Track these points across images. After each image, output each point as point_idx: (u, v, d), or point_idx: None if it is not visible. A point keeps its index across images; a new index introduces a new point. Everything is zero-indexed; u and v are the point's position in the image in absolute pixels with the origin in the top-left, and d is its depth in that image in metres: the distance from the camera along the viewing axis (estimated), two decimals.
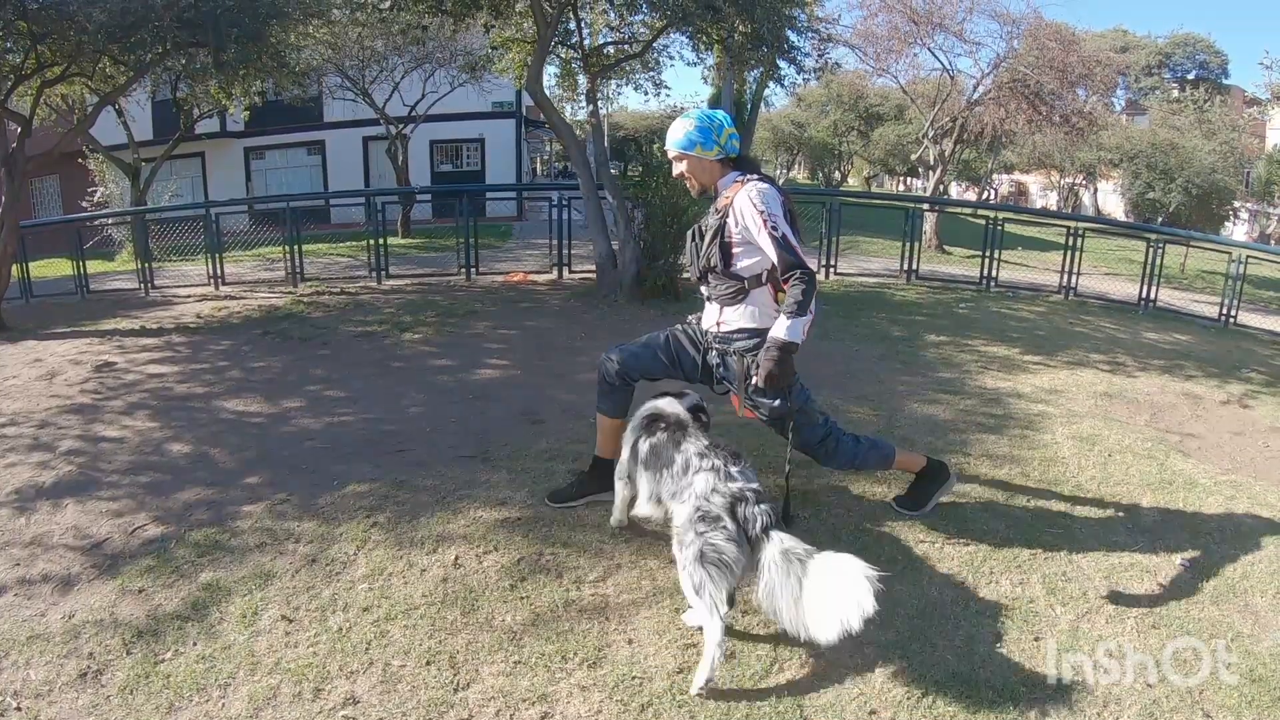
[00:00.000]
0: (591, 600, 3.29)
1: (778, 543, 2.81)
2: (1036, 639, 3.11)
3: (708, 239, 3.52)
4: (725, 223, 3.46)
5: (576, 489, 4.09)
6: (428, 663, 2.93)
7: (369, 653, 2.98)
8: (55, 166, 17.50)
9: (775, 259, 3.32)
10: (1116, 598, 3.42)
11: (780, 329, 3.32)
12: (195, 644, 3.05)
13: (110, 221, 16.01)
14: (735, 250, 3.47)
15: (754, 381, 3.44)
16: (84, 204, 18.92)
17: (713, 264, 3.52)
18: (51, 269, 13.49)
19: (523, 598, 3.30)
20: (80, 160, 18.77)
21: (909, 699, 2.79)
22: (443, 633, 3.09)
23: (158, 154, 17.14)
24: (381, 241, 11.28)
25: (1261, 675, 2.98)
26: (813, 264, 3.33)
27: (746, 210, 3.37)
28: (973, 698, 2.79)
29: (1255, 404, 6.73)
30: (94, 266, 12.01)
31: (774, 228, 3.30)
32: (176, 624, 3.17)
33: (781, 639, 3.02)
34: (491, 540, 3.73)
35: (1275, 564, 3.79)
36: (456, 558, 3.59)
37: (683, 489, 3.06)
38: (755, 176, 3.49)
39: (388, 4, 8.86)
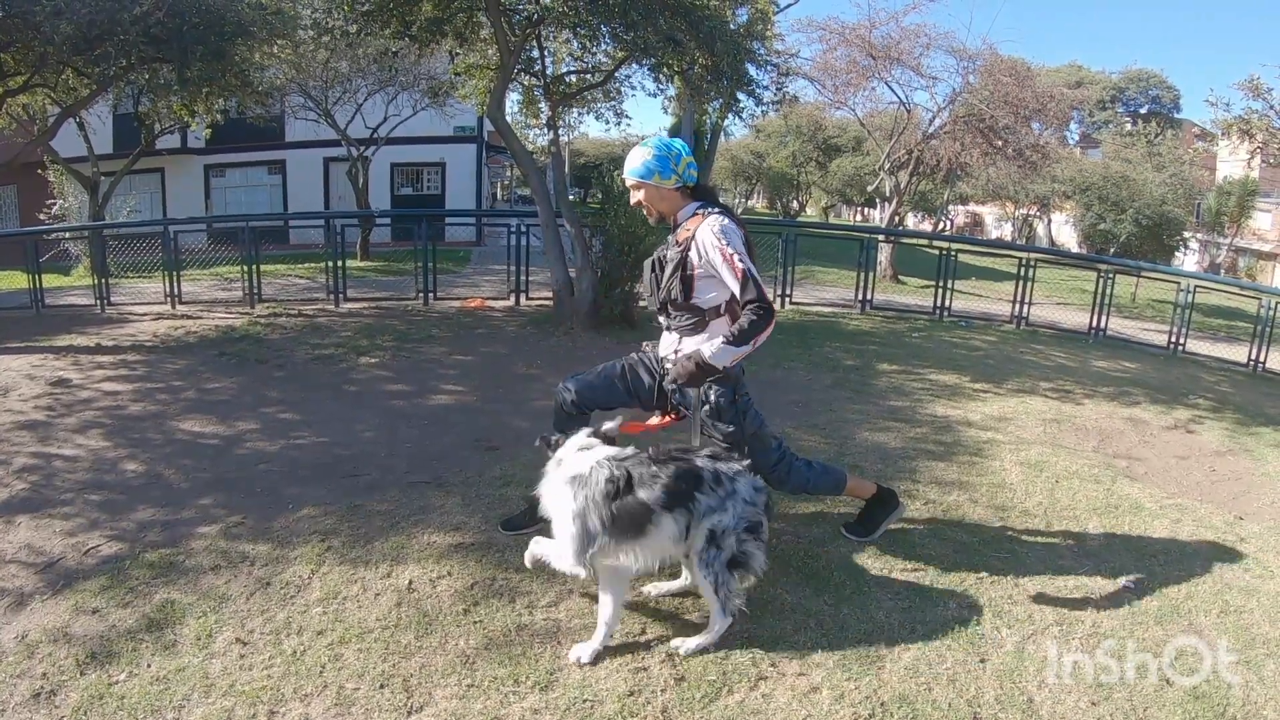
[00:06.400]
0: (544, 624, 3.32)
1: None
2: (982, 661, 3.18)
3: (668, 271, 3.55)
4: (687, 256, 3.48)
5: (529, 516, 4.07)
6: (381, 686, 2.94)
7: (323, 676, 2.99)
8: (13, 177, 17.28)
9: (738, 292, 3.37)
10: (1062, 620, 3.50)
11: (709, 349, 3.37)
12: (150, 665, 3.04)
13: (67, 235, 15.80)
14: (697, 283, 3.50)
15: (667, 379, 3.47)
16: (41, 216, 18.65)
17: (673, 296, 3.55)
18: (6, 281, 13.28)
19: (476, 622, 3.32)
20: (40, 171, 18.51)
21: None
22: (396, 656, 3.10)
23: (117, 168, 16.93)
24: (340, 264, 11.26)
25: (1204, 692, 3.07)
26: (767, 294, 3.39)
27: (709, 244, 3.40)
28: (919, 719, 2.86)
29: (1201, 429, 6.93)
30: (49, 281, 11.85)
31: (740, 262, 3.35)
32: (131, 645, 3.15)
33: (730, 661, 3.07)
34: (445, 565, 3.75)
35: (1219, 584, 3.91)
36: (410, 582, 3.61)
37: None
38: (715, 209, 3.53)
39: (355, 28, 8.87)
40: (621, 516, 3.02)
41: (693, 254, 3.47)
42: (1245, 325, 12.41)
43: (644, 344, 3.91)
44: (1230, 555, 4.27)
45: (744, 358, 3.46)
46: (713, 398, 3.62)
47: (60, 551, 3.90)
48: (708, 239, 3.41)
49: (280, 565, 3.76)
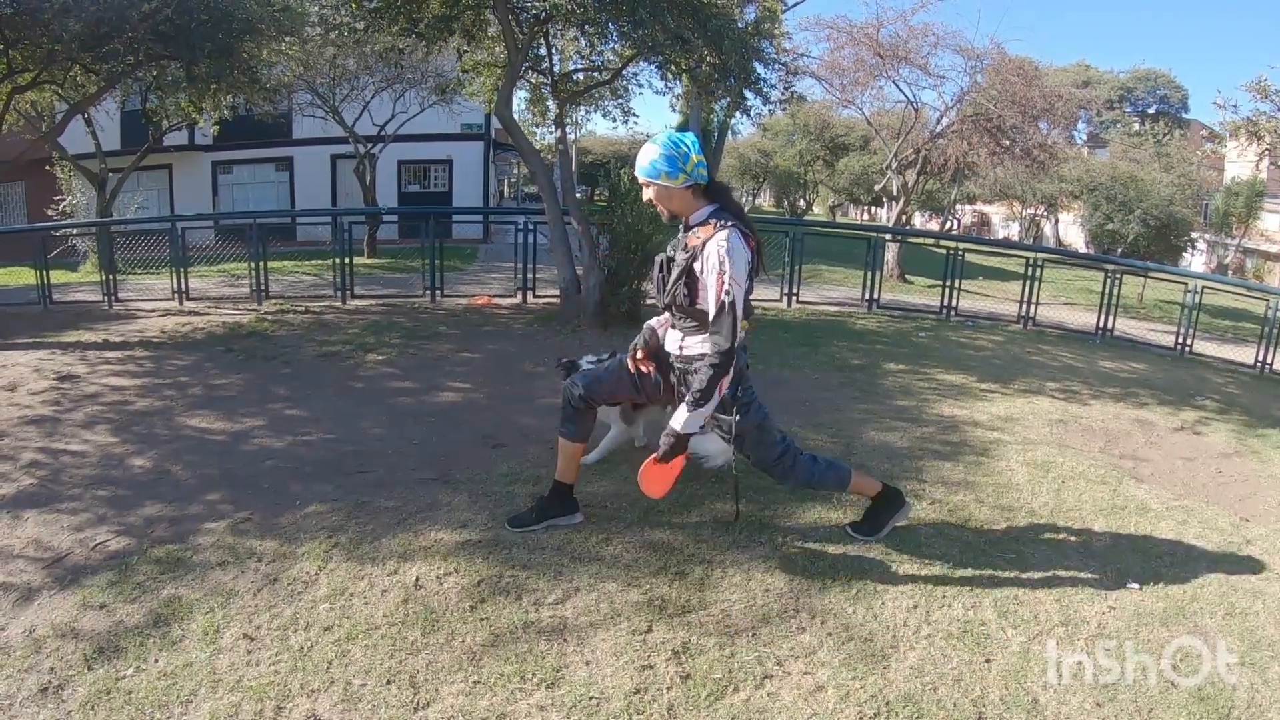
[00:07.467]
0: (550, 622, 3.32)
1: None
2: (988, 661, 3.18)
3: (674, 275, 3.55)
4: (693, 265, 3.48)
5: (536, 514, 4.10)
6: (388, 682, 2.94)
7: (330, 672, 2.99)
8: (22, 173, 17.30)
9: (710, 316, 3.43)
10: (1067, 620, 3.49)
11: (678, 420, 3.49)
12: (157, 660, 3.05)
13: (75, 231, 15.84)
14: (701, 291, 3.50)
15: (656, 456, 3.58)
16: (49, 212, 18.70)
17: (679, 300, 3.56)
18: (14, 277, 13.32)
19: (482, 619, 3.32)
20: (48, 168, 18.56)
21: (861, 719, 2.85)
22: (403, 653, 3.11)
23: (125, 164, 16.96)
24: (347, 261, 11.27)
25: (1208, 694, 3.07)
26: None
27: (712, 263, 3.39)
28: (924, 718, 2.86)
29: (1207, 430, 6.91)
30: (57, 277, 11.86)
31: (726, 291, 3.37)
32: (138, 640, 3.16)
33: (736, 659, 3.08)
34: (452, 562, 3.75)
35: (1225, 586, 3.90)
36: (417, 578, 3.61)
37: None
38: (729, 223, 3.46)
39: (362, 25, 8.88)
40: None
41: (698, 264, 3.47)
42: (1252, 327, 12.35)
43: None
44: (1236, 557, 4.26)
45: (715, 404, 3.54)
46: None
47: (67, 547, 3.91)
48: (713, 256, 3.40)
49: (287, 561, 3.77)
